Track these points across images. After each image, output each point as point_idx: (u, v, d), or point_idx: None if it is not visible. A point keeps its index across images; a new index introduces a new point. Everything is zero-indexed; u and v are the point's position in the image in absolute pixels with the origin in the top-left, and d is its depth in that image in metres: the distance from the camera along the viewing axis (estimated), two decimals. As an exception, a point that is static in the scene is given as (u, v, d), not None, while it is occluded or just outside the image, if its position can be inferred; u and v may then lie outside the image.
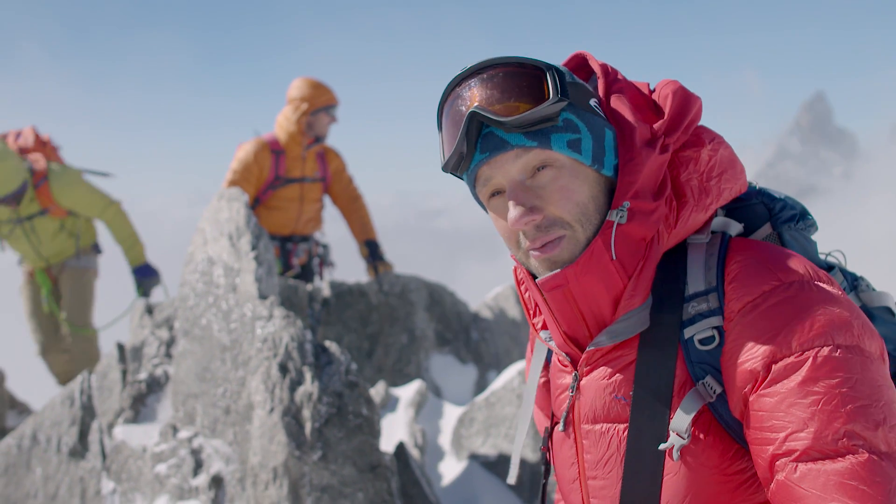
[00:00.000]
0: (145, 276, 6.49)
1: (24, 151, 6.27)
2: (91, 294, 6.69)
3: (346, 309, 6.23)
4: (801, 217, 1.65)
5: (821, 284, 1.40)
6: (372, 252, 6.73)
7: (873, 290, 1.66)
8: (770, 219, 1.65)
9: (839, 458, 1.24)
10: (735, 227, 1.60)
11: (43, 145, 6.43)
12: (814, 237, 1.70)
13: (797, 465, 1.27)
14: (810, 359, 1.30)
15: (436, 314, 7.00)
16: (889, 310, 1.64)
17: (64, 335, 6.71)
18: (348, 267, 6.87)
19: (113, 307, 6.65)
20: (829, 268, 1.65)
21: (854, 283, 1.67)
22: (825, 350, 1.31)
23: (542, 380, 1.91)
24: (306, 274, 6.83)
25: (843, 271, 1.67)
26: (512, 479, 1.89)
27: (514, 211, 1.45)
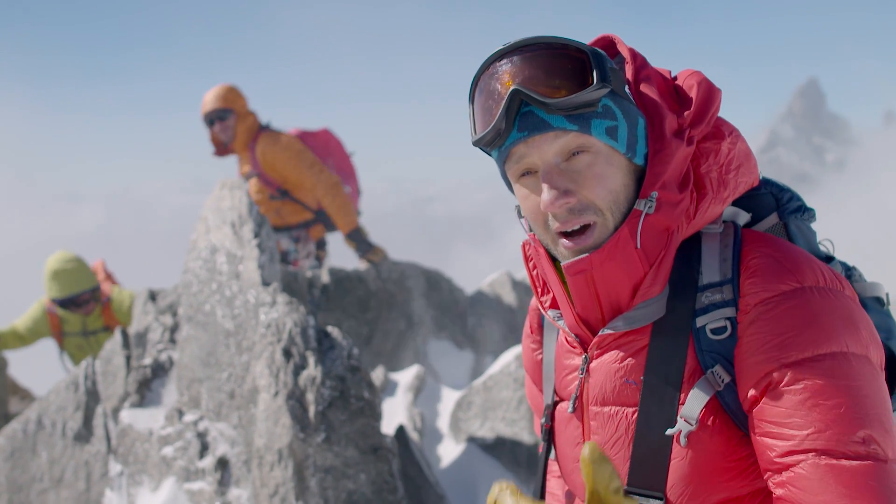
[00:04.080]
0: None
1: None
2: None
3: (345, 295, 6.31)
4: (804, 208, 1.69)
5: (834, 290, 1.45)
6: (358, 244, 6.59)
7: (865, 280, 1.69)
8: (777, 209, 1.68)
9: (862, 460, 1.31)
10: (743, 217, 1.64)
11: (108, 277, 7.14)
12: (813, 226, 1.75)
13: (819, 461, 1.33)
14: (830, 363, 1.36)
15: (433, 300, 7.08)
16: (879, 300, 1.68)
17: None
18: (346, 253, 6.92)
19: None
20: (829, 259, 1.69)
21: (847, 273, 1.69)
22: (844, 357, 1.37)
23: (539, 356, 1.92)
24: None
25: (836, 261, 1.70)
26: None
27: (548, 193, 1.46)
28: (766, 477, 1.42)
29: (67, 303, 6.54)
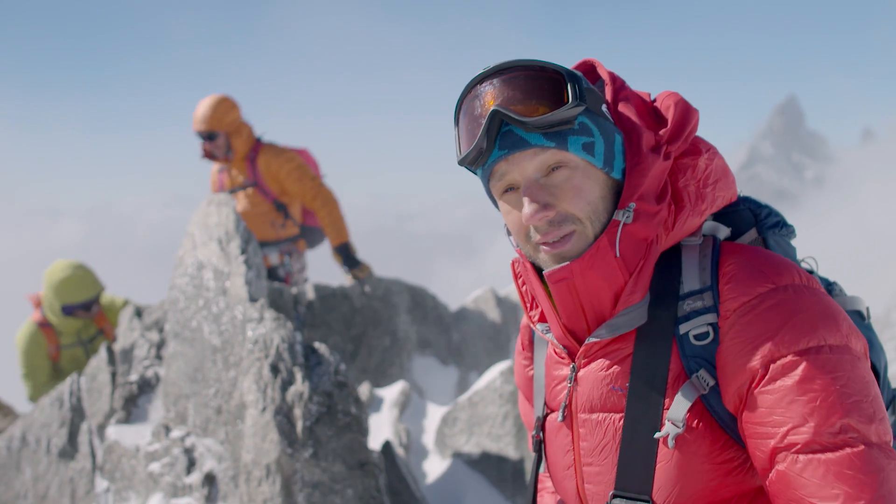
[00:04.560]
0: None
1: None
2: None
3: (331, 311, 6.32)
4: (783, 224, 1.77)
5: (809, 288, 1.51)
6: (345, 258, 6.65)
7: (846, 295, 1.75)
8: (756, 224, 1.75)
9: (837, 450, 1.36)
10: (723, 231, 1.70)
11: None
12: (793, 242, 1.80)
13: (798, 457, 1.39)
14: (806, 359, 1.41)
15: (417, 317, 7.11)
16: (860, 313, 1.73)
17: None
18: (331, 270, 6.94)
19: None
20: (808, 273, 1.73)
21: (828, 287, 1.75)
22: (819, 351, 1.42)
23: (530, 372, 1.98)
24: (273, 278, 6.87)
25: (818, 277, 1.76)
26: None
27: (528, 207, 1.53)
28: (762, 477, 1.48)
29: (79, 308, 6.47)
